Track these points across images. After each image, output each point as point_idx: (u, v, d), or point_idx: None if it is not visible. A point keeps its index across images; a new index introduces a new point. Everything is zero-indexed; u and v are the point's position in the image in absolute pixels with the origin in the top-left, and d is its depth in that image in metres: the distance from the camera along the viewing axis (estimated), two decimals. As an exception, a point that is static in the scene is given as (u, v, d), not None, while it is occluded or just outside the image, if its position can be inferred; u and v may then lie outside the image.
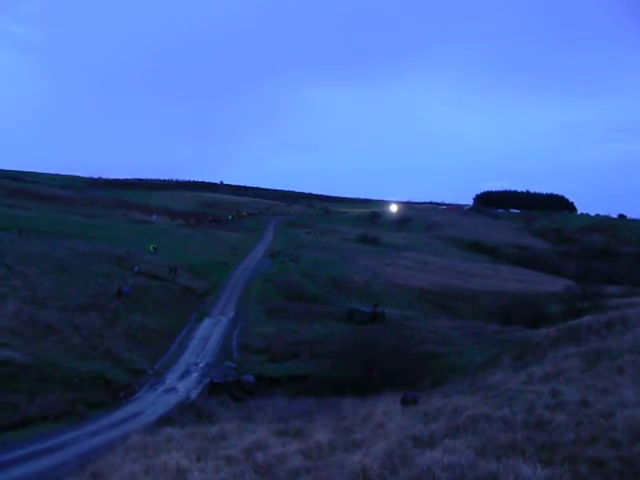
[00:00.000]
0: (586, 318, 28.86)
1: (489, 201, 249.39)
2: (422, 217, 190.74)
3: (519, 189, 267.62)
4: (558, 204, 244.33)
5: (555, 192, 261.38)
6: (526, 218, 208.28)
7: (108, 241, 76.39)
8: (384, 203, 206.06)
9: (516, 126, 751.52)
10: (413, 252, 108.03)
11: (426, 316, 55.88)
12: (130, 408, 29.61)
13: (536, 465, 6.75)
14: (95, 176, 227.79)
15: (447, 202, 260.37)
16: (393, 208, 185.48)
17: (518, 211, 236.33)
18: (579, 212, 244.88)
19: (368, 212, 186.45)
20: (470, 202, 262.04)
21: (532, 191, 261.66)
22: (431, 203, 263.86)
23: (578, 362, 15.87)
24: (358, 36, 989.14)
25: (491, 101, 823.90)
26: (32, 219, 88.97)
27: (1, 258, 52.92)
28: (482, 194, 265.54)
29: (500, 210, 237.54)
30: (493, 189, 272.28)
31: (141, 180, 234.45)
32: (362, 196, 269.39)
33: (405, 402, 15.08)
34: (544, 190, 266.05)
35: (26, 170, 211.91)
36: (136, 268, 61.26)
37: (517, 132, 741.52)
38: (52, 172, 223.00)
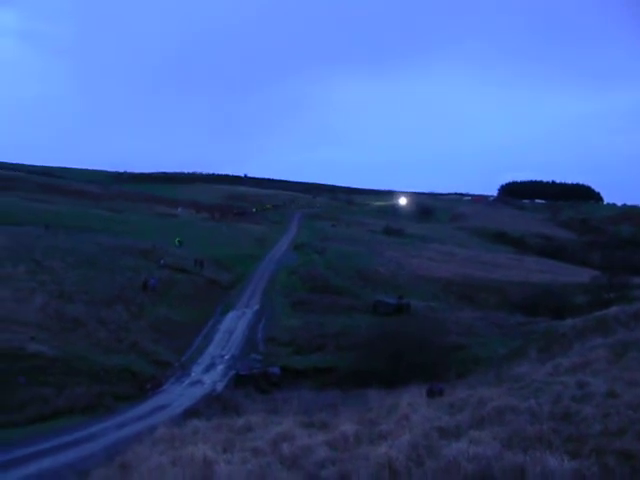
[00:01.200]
0: (613, 309, 28.55)
1: (514, 192, 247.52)
2: (447, 208, 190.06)
3: (544, 179, 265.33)
4: (584, 194, 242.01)
5: (581, 182, 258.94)
6: (552, 208, 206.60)
7: (134, 235, 76.92)
8: (402, 195, 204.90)
9: (542, 116, 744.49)
10: (438, 243, 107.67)
11: (451, 307, 55.63)
12: (156, 400, 29.77)
13: (563, 457, 6.69)
14: (121, 170, 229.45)
15: (472, 193, 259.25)
16: (402, 201, 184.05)
17: (543, 201, 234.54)
18: (605, 202, 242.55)
19: (392, 204, 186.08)
20: (495, 193, 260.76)
21: (558, 181, 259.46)
22: (456, 194, 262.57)
23: (605, 353, 15.72)
24: (382, 30, 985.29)
25: (516, 91, 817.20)
26: (59, 214, 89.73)
27: (29, 253, 53.43)
28: (507, 185, 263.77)
29: (525, 201, 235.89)
30: (518, 179, 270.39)
31: (166, 174, 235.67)
32: (387, 188, 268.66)
33: (431, 394, 15.04)
34: (570, 180, 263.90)
35: (55, 166, 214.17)
36: (162, 261, 61.60)
37: (543, 122, 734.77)
38: (80, 167, 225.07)
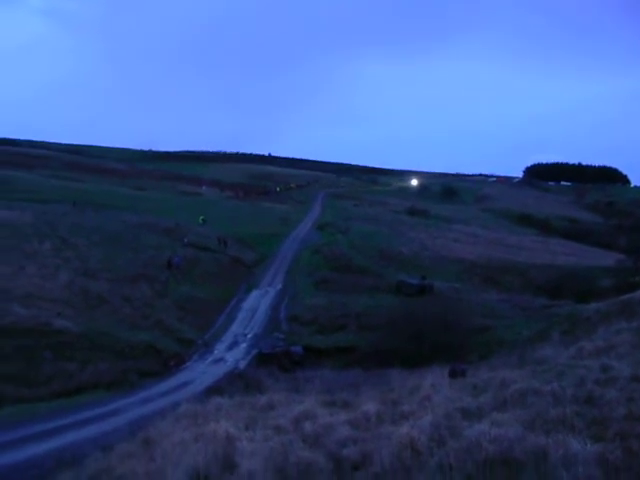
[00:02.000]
0: (638, 293, 28.28)
1: (539, 173, 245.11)
2: (471, 189, 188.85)
3: (571, 161, 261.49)
4: (611, 177, 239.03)
5: (608, 165, 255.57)
6: (577, 191, 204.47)
7: (158, 213, 77.25)
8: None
9: (570, 97, 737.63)
10: (462, 224, 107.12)
11: (475, 289, 55.40)
12: (180, 377, 30.01)
13: (586, 440, 6.65)
14: (146, 149, 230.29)
15: (497, 174, 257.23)
16: (414, 182, 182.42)
17: (569, 184, 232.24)
18: (632, 185, 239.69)
19: (417, 184, 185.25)
20: (520, 174, 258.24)
21: (584, 163, 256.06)
22: (481, 175, 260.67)
23: (630, 337, 15.58)
24: (406, 10, 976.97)
25: (544, 71, 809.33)
26: (86, 191, 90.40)
27: (54, 230, 53.93)
28: (532, 166, 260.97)
29: (551, 183, 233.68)
30: (544, 161, 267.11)
31: (191, 152, 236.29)
32: (411, 168, 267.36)
33: (453, 374, 15.00)
34: (597, 162, 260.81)
35: (82, 144, 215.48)
36: (185, 240, 61.84)
37: (570, 103, 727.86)
38: (106, 145, 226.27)
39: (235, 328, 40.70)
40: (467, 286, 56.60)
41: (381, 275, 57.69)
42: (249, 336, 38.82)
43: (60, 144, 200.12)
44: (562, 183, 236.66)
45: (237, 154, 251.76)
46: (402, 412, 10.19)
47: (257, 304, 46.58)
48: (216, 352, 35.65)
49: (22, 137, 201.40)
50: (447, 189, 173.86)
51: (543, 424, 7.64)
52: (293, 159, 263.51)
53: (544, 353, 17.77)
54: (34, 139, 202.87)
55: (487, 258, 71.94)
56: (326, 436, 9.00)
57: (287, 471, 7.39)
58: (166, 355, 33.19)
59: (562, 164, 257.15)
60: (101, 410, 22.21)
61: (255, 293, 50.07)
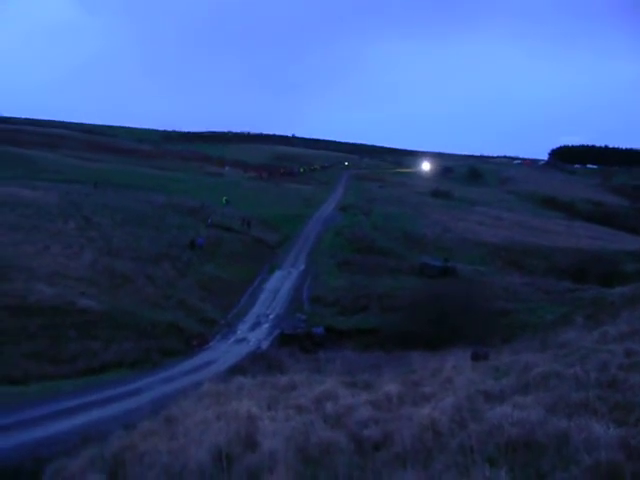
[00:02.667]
0: (664, 277, 28.02)
1: (565, 156, 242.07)
2: (496, 171, 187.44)
3: (597, 144, 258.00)
4: (638, 159, 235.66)
5: (635, 147, 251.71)
6: (604, 174, 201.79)
7: (182, 193, 77.58)
8: (456, 157, 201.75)
9: (596, 79, 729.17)
10: (486, 207, 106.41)
11: (498, 272, 55.15)
12: (202, 357, 30.22)
13: (608, 425, 6.62)
14: (170, 129, 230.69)
15: (521, 156, 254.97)
16: (425, 166, 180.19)
17: (595, 167, 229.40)
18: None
19: (441, 166, 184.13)
20: (545, 157, 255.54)
21: (611, 146, 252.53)
22: (505, 157, 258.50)
23: (654, 322, 15.46)
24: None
25: (570, 52, 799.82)
26: (109, 172, 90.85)
27: (78, 210, 54.35)
28: (558, 149, 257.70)
29: (576, 165, 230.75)
30: (570, 144, 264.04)
31: (215, 133, 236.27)
32: (435, 149, 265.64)
33: (475, 357, 14.96)
34: (623, 145, 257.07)
35: (106, 124, 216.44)
36: (209, 220, 62.02)
37: (597, 85, 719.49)
38: (130, 126, 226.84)
39: (258, 309, 40.87)
40: (490, 269, 56.40)
41: (404, 257, 57.61)
42: (271, 317, 38.98)
43: (83, 124, 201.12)
44: (588, 166, 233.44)
45: (261, 135, 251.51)
46: (423, 394, 10.19)
47: (280, 285, 46.71)
48: (239, 332, 35.85)
49: (46, 117, 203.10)
50: (472, 171, 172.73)
51: (565, 408, 7.61)
52: (317, 140, 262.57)
53: (567, 337, 17.65)
54: (58, 119, 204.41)
55: (511, 241, 71.53)
56: (347, 416, 9.02)
57: (308, 451, 7.42)
58: (189, 335, 33.40)
59: (588, 146, 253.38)
60: (124, 388, 22.45)
61: (278, 274, 50.19)
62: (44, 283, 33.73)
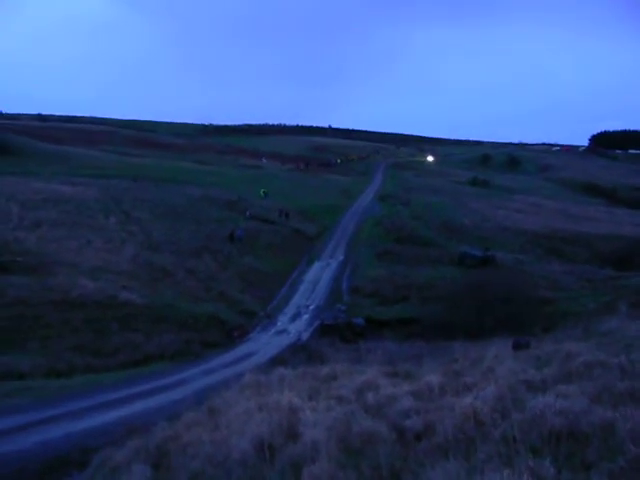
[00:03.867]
0: None
1: (606, 141, 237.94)
2: (535, 159, 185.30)
3: (639, 129, 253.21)
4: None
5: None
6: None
7: (219, 186, 77.91)
8: (495, 145, 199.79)
9: (637, 61, 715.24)
10: (525, 195, 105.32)
11: (538, 260, 54.59)
12: (243, 348, 30.40)
13: (655, 415, 6.52)
14: (206, 123, 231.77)
15: (561, 143, 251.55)
16: (430, 158, 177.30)
17: (638, 152, 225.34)
18: None
19: (479, 154, 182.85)
20: (585, 143, 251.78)
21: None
22: (544, 144, 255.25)
23: (701, 308, 15.19)
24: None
25: (612, 35, 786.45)
26: (147, 166, 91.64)
27: (118, 204, 54.99)
28: (598, 134, 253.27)
29: (618, 151, 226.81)
30: (610, 129, 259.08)
31: (251, 126, 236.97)
32: (473, 138, 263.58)
33: (517, 347, 14.83)
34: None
35: (143, 119, 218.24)
36: (247, 212, 62.33)
37: (638, 67, 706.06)
38: (167, 121, 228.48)
39: (297, 300, 40.98)
40: (530, 257, 55.81)
41: (443, 246, 57.30)
42: (311, 308, 39.06)
43: (122, 120, 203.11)
44: (630, 151, 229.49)
45: (298, 126, 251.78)
46: (465, 383, 10.12)
47: (319, 276, 46.77)
48: (279, 323, 35.99)
49: (85, 114, 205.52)
50: (510, 159, 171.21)
51: (610, 397, 7.51)
52: (353, 130, 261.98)
53: (610, 326, 17.43)
54: (96, 115, 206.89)
55: (551, 229, 70.70)
56: (389, 406, 9.00)
57: (350, 441, 7.42)
58: (229, 327, 33.63)
59: (630, 131, 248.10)
60: (167, 380, 22.66)
61: (317, 265, 50.26)
62: (87, 277, 34.24)
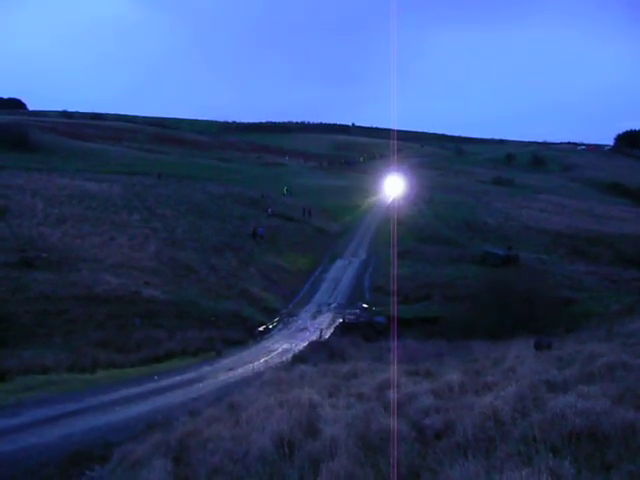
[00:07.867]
0: None
1: (632, 141, 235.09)
2: (559, 158, 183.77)
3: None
4: None
5: None
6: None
7: (243, 184, 78.16)
8: (519, 144, 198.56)
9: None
10: (548, 194, 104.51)
11: (561, 260, 54.27)
12: (265, 345, 30.44)
13: (678, 416, 6.47)
14: (230, 121, 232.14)
15: (586, 142, 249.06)
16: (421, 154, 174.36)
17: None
18: None
19: (503, 153, 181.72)
20: (611, 142, 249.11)
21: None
22: (569, 143, 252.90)
23: None
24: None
25: (636, 34, 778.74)
26: (171, 163, 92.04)
27: (142, 201, 55.28)
28: (624, 133, 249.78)
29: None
30: (637, 128, 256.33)
31: (274, 124, 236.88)
32: (496, 137, 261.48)
33: (538, 347, 14.74)
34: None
35: (167, 117, 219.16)
36: (270, 210, 62.44)
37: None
38: (190, 118, 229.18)
39: (319, 298, 41.01)
40: (553, 257, 55.52)
41: (466, 245, 57.16)
42: (333, 305, 39.06)
43: (146, 117, 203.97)
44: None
45: (321, 124, 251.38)
46: (486, 383, 10.10)
47: (341, 274, 46.77)
48: (300, 321, 36.01)
49: (110, 111, 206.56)
50: (534, 158, 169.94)
51: (633, 399, 7.46)
52: (376, 129, 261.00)
53: (634, 327, 17.30)
54: (120, 112, 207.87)
55: (574, 229, 70.21)
56: (409, 404, 9.00)
57: (369, 438, 7.43)
58: (251, 324, 33.73)
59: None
60: (189, 376, 22.77)
61: (339, 263, 50.27)
62: (110, 273, 34.52)
